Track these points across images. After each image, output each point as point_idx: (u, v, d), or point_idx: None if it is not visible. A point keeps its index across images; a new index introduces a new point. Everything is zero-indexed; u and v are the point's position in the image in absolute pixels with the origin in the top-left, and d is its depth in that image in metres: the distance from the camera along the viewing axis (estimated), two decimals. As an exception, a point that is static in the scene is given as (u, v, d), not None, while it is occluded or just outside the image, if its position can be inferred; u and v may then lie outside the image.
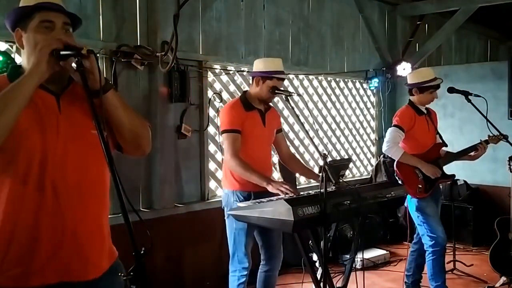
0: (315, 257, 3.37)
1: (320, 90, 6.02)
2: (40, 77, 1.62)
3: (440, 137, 4.19)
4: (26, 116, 1.62)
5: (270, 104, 3.45)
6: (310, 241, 3.16)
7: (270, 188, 3.11)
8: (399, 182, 3.90)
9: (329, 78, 6.15)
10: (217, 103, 4.72)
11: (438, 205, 4.12)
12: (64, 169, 1.67)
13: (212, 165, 4.77)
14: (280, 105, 5.23)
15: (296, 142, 5.70)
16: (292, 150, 4.40)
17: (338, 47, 6.22)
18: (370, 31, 6.56)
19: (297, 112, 3.99)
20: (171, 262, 4.29)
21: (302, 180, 5.65)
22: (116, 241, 1.88)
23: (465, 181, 6.08)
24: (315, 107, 5.96)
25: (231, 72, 4.91)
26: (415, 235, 4.23)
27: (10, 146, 1.59)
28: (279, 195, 3.05)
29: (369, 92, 6.80)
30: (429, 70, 4.20)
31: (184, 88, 4.22)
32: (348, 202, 2.85)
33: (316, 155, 5.64)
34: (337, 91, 6.31)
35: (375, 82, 6.40)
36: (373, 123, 6.95)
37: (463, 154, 4.14)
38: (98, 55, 2.02)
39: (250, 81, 3.54)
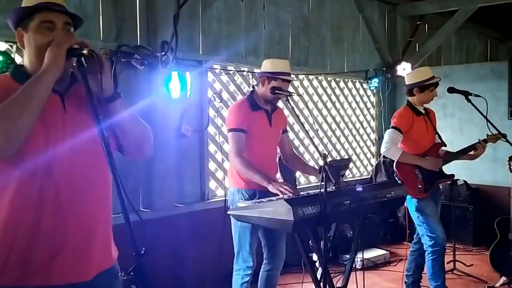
0: (315, 257, 3.37)
1: (320, 90, 6.02)
2: (58, 72, 1.63)
3: (439, 137, 4.19)
4: None
5: (289, 104, 3.40)
6: (310, 241, 3.16)
7: (270, 188, 3.12)
8: (399, 182, 3.90)
9: (329, 78, 6.15)
10: (217, 103, 4.72)
11: (437, 205, 4.13)
12: (67, 169, 1.66)
13: (212, 165, 4.77)
14: (280, 104, 5.17)
15: (296, 142, 5.69)
16: (292, 150, 4.40)
17: (338, 47, 6.22)
18: (370, 31, 6.56)
19: (297, 112, 4.00)
20: (171, 262, 4.29)
21: (302, 180, 5.65)
22: (116, 241, 1.88)
23: (465, 181, 6.08)
24: (315, 107, 5.96)
25: (231, 72, 4.91)
26: (415, 235, 4.23)
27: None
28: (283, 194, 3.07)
29: (369, 92, 6.80)
30: (427, 69, 4.21)
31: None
32: (348, 202, 2.85)
33: (316, 155, 5.64)
34: (337, 91, 6.31)
35: (375, 82, 6.39)
36: (373, 123, 6.95)
37: (462, 154, 4.14)
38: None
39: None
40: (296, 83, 5.62)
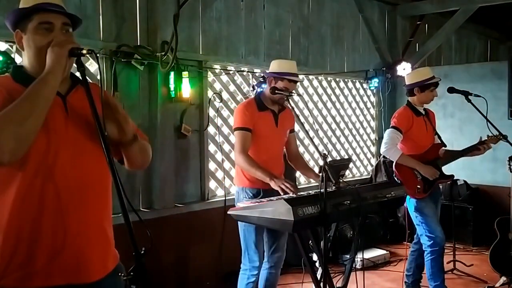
0: (315, 257, 3.37)
1: (320, 90, 6.02)
2: (62, 72, 1.63)
3: (439, 137, 4.19)
4: None
5: (288, 105, 3.40)
6: (310, 241, 3.16)
7: (272, 184, 3.16)
8: (399, 182, 3.90)
9: (329, 78, 6.15)
10: (217, 103, 4.72)
11: (437, 206, 4.13)
12: (68, 171, 1.66)
13: (212, 165, 4.77)
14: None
15: (296, 142, 5.68)
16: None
17: (338, 47, 6.22)
18: (370, 31, 6.56)
19: (297, 112, 4.00)
20: (171, 262, 4.29)
21: (302, 180, 5.65)
22: (116, 241, 1.88)
23: (465, 181, 6.08)
24: (315, 107, 5.96)
25: (231, 72, 4.91)
26: (415, 235, 4.23)
27: None
28: (284, 192, 3.08)
29: (369, 92, 6.80)
30: (427, 69, 4.22)
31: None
32: (348, 202, 2.85)
33: (316, 155, 5.64)
34: (337, 91, 6.31)
35: (375, 82, 6.40)
36: (373, 123, 6.95)
37: (462, 155, 4.14)
38: (98, 55, 2.02)
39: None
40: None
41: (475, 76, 6.21)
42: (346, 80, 6.44)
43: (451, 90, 4.05)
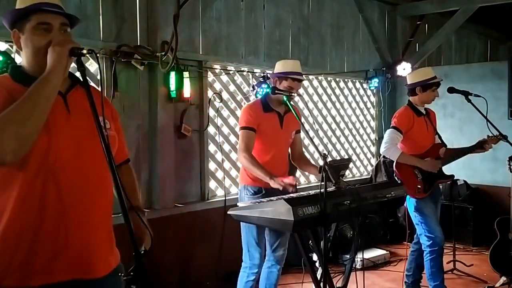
0: (315, 257, 3.37)
1: (320, 90, 6.02)
2: (64, 71, 1.63)
3: (440, 137, 4.18)
4: None
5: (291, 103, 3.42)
6: (310, 241, 3.16)
7: (272, 184, 3.17)
8: (399, 182, 3.90)
9: (329, 78, 6.15)
10: (217, 103, 4.72)
11: (437, 206, 4.13)
12: (69, 170, 1.66)
13: (212, 165, 4.77)
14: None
15: (301, 143, 5.68)
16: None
17: (338, 47, 6.22)
18: (370, 31, 6.56)
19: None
20: (171, 262, 4.29)
21: (302, 180, 5.65)
22: (116, 241, 1.88)
23: (465, 181, 6.08)
24: (315, 107, 5.96)
25: (231, 72, 4.91)
26: (415, 235, 4.23)
27: None
28: (287, 191, 3.10)
29: (369, 92, 6.80)
30: (429, 69, 4.22)
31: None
32: (348, 202, 2.85)
33: (316, 155, 5.64)
34: (337, 91, 6.31)
35: (375, 82, 6.39)
36: (373, 123, 6.95)
37: (463, 155, 4.14)
38: (98, 55, 2.02)
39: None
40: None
41: (475, 76, 6.21)
42: (346, 80, 6.44)
43: (451, 90, 4.04)
